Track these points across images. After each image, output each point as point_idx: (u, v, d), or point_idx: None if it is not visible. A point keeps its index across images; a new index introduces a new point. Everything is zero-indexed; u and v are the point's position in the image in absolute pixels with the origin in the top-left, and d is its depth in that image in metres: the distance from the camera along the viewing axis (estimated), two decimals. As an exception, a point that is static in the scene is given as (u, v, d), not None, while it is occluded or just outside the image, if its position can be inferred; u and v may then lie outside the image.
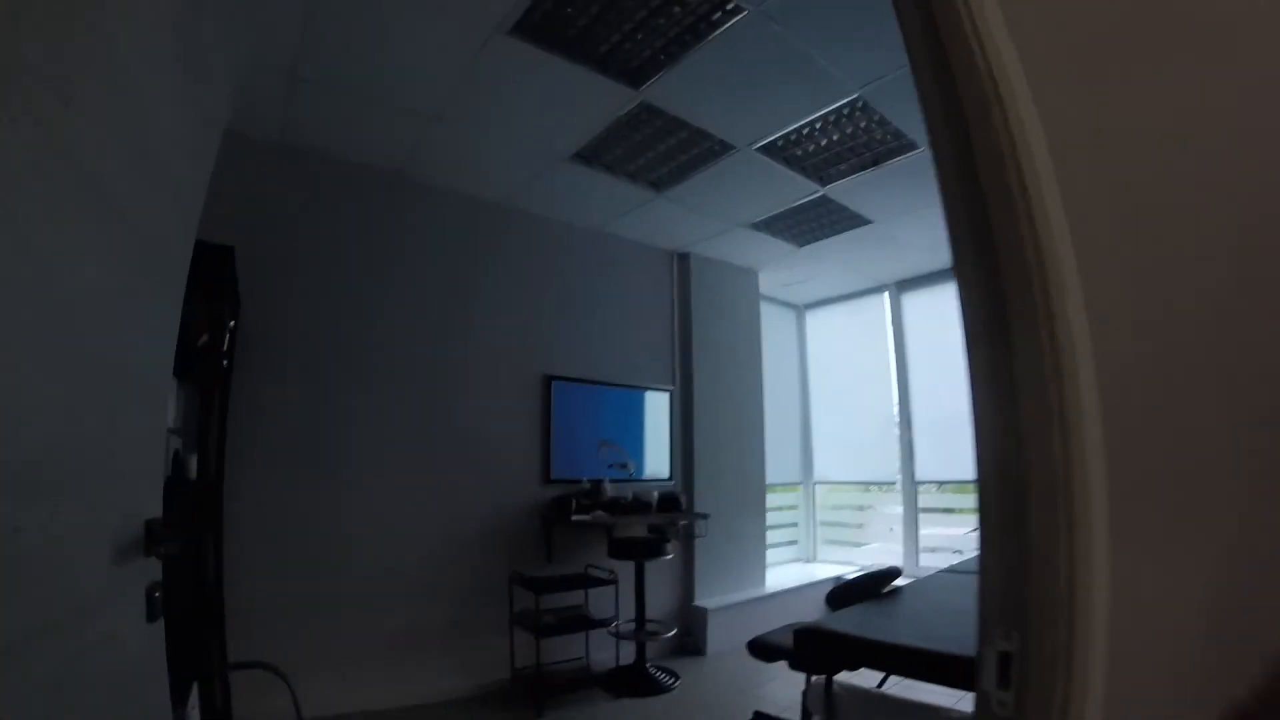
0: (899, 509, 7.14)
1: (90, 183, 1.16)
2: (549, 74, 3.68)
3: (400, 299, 4.72)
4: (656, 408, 6.16)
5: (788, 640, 2.85)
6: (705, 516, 5.57)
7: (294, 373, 4.21)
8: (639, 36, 3.48)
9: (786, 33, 3.38)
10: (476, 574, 4.77)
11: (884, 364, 7.51)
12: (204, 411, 2.88)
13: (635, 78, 3.80)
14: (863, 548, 7.57)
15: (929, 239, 6.14)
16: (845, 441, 7.84)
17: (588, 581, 4.90)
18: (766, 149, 4.57)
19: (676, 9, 3.25)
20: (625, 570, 4.98)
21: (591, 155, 4.65)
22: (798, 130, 4.37)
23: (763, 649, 3.28)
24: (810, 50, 3.52)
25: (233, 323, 3.70)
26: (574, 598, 4.99)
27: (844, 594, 3.25)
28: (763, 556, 6.64)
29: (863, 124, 4.31)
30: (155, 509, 1.58)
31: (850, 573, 6.88)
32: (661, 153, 4.63)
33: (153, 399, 1.61)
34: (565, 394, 5.48)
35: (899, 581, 3.31)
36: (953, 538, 6.91)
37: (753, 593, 6.25)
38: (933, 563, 6.62)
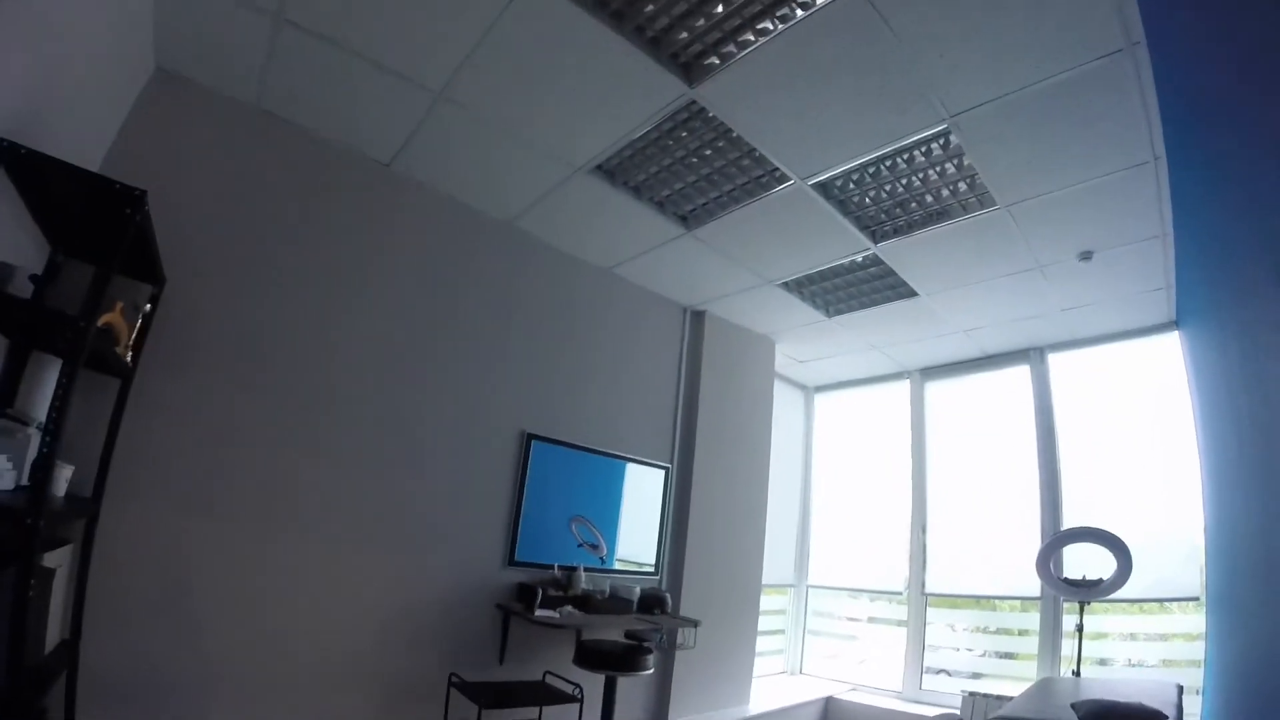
0: (902, 621, 6.30)
1: None
2: (587, 45, 2.92)
3: (364, 315, 3.89)
4: (648, 486, 5.30)
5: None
6: (696, 624, 4.65)
7: (214, 382, 3.31)
8: (707, 12, 2.75)
9: (885, 27, 2.69)
10: (406, 671, 3.82)
11: (898, 460, 6.73)
12: (61, 406, 2.04)
13: (691, 70, 3.05)
14: (856, 662, 6.66)
15: (973, 319, 5.47)
16: (847, 543, 7.05)
17: (546, 694, 3.98)
18: (823, 187, 3.85)
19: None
20: (592, 681, 4.06)
21: (618, 169, 3.89)
22: (863, 168, 3.68)
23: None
24: (909, 53, 2.82)
25: (149, 306, 2.96)
26: (527, 713, 4.03)
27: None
28: (750, 669, 5.78)
29: (939, 168, 3.65)
30: None
31: (844, 690, 6.24)
32: (703, 177, 3.90)
33: None
34: (544, 459, 4.59)
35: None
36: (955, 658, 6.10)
37: (735, 713, 5.38)
38: (935, 684, 5.91)
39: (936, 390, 6.65)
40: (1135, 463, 5.21)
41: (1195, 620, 4.67)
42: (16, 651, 1.93)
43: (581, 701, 3.90)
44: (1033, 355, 5.91)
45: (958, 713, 3.09)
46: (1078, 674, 4.57)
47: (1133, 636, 5.19)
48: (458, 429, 4.21)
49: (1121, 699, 2.93)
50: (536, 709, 4.03)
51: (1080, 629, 4.64)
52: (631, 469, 5.18)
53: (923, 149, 3.49)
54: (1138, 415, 5.27)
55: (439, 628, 3.98)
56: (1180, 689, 3.50)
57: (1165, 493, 4.96)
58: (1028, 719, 3.07)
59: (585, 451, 4.86)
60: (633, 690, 4.80)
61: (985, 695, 4.96)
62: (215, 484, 3.28)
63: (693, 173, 3.84)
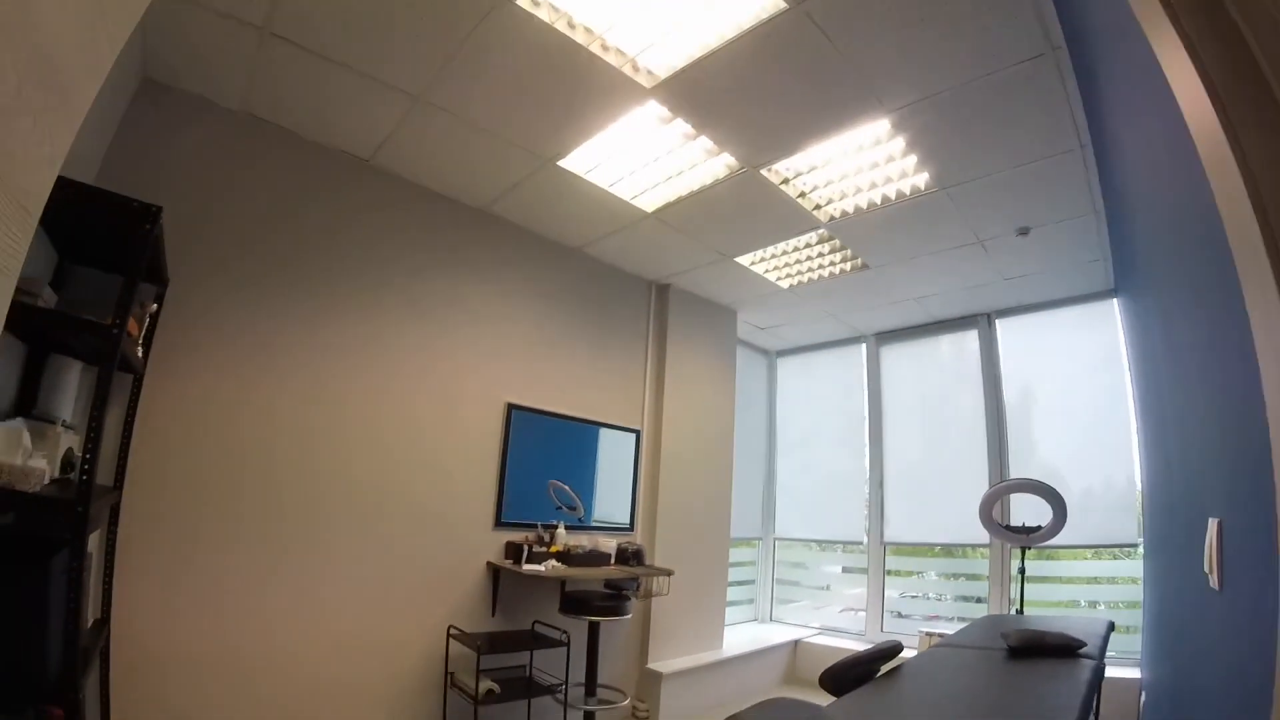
0: (863, 570, 6.75)
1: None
2: (557, 55, 3.20)
3: (357, 304, 4.14)
4: (620, 449, 5.65)
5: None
6: (669, 573, 5.03)
7: (218, 376, 3.54)
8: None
9: (825, 39, 2.99)
10: (409, 625, 4.15)
11: (857, 419, 7.15)
12: (101, 407, 2.21)
13: (651, 74, 3.34)
14: (822, 609, 7.11)
15: (923, 289, 5.84)
16: (810, 497, 7.47)
17: (535, 640, 4.37)
18: (777, 173, 4.14)
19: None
20: (577, 628, 4.44)
21: (585, 161, 4.14)
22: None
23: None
24: (847, 60, 3.13)
25: (156, 306, 3.15)
26: (519, 658, 4.43)
27: (841, 675, 2.88)
28: (722, 616, 6.20)
29: (884, 154, 3.94)
30: None
31: (811, 634, 6.74)
32: (666, 166, 4.16)
33: None
34: (525, 427, 4.92)
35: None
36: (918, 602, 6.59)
37: (710, 656, 5.80)
38: (897, 627, 6.35)
39: (891, 353, 7.02)
40: (1080, 419, 5.61)
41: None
42: (73, 626, 2.10)
43: (568, 645, 4.29)
44: (980, 320, 6.29)
45: (897, 639, 3.45)
46: (1021, 612, 4.99)
47: (1095, 580, 5.62)
48: (452, 401, 4.50)
49: (1051, 631, 3.18)
50: (528, 653, 4.43)
51: (1023, 572, 5.03)
52: (605, 434, 5.52)
53: (869, 139, 3.78)
54: (1082, 374, 5.65)
55: (437, 587, 4.30)
56: (1111, 624, 3.76)
57: (1107, 446, 5.35)
58: (962, 645, 3.46)
59: (562, 419, 5.19)
60: (615, 636, 5.15)
61: (939, 633, 5.40)
62: (222, 473, 3.51)
63: (656, 164, 4.12)
